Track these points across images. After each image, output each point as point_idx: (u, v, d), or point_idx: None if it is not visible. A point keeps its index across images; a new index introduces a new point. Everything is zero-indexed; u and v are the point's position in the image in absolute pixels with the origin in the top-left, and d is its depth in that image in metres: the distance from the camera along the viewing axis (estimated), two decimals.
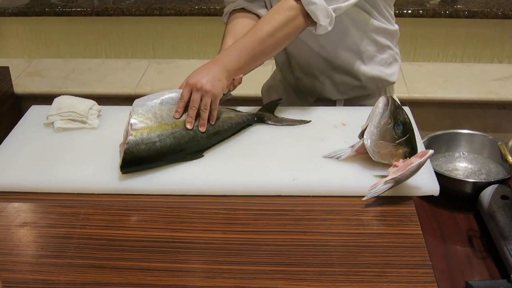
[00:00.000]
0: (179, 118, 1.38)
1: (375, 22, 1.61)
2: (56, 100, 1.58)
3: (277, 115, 1.57)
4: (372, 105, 1.35)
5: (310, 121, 1.54)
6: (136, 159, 1.32)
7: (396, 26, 1.70)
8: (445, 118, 2.59)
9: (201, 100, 1.38)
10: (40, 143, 1.48)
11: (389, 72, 1.72)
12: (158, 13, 2.81)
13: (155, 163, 1.35)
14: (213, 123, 1.41)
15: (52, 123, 1.53)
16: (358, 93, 1.71)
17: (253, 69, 1.50)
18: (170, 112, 1.39)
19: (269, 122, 1.54)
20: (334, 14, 1.43)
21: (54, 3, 2.98)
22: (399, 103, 1.40)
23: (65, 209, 1.28)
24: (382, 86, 1.73)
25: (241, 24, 1.60)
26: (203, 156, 1.40)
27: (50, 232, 1.22)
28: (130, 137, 1.33)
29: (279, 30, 1.42)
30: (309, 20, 1.43)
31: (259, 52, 1.44)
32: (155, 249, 1.16)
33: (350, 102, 1.73)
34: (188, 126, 1.37)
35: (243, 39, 1.44)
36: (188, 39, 2.89)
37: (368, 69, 1.66)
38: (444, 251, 1.39)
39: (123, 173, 1.32)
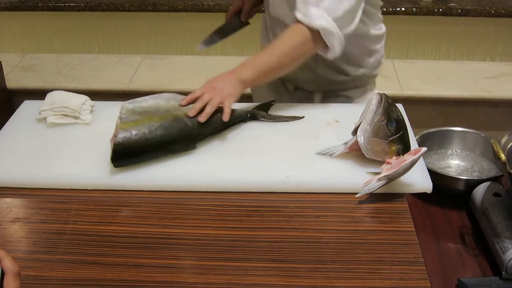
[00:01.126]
0: (185, 105, 1.41)
1: (369, 31, 1.64)
2: (49, 95, 1.57)
3: (270, 113, 1.56)
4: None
5: (303, 117, 1.53)
6: (126, 151, 1.32)
7: (384, 29, 1.72)
8: (437, 115, 2.59)
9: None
10: (33, 138, 1.47)
11: (374, 73, 1.75)
12: (152, 9, 2.80)
13: (146, 155, 1.34)
14: (226, 120, 1.41)
15: (45, 118, 1.52)
16: (338, 87, 1.74)
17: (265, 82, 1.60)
18: (159, 106, 1.39)
19: (262, 119, 1.53)
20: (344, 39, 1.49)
21: None
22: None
23: (57, 205, 1.27)
24: (363, 82, 1.76)
25: None
26: (195, 147, 1.40)
27: (42, 228, 1.21)
28: (119, 130, 1.33)
29: (295, 50, 1.48)
30: (323, 44, 1.48)
31: (274, 69, 1.49)
32: (147, 245, 1.16)
33: (328, 94, 1.75)
34: (190, 114, 1.39)
35: (261, 55, 1.50)
36: (182, 35, 2.88)
37: (353, 69, 1.69)
38: (437, 248, 1.39)
39: (115, 166, 1.32)
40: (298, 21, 1.46)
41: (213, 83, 1.45)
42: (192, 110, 1.39)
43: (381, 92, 1.35)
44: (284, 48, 1.48)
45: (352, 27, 1.49)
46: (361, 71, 1.70)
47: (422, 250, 1.14)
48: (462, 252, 1.38)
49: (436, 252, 1.37)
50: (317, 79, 1.71)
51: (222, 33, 1.84)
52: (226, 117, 1.41)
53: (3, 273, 0.82)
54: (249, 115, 1.53)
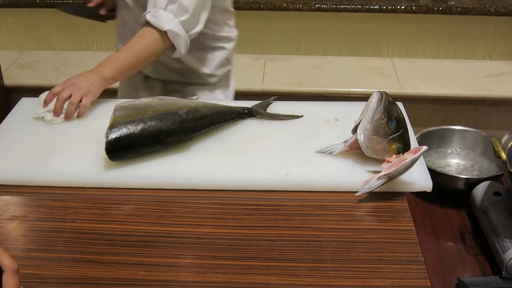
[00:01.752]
0: (49, 103, 1.52)
1: (216, 33, 1.76)
2: (41, 96, 1.56)
3: (269, 111, 1.56)
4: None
5: (302, 116, 1.53)
6: (120, 141, 1.31)
7: (235, 32, 1.84)
8: (437, 114, 2.58)
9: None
10: (30, 136, 1.47)
11: (216, 72, 1.83)
12: None
13: (142, 148, 1.34)
14: (80, 117, 1.52)
15: (42, 117, 1.51)
16: (176, 77, 1.82)
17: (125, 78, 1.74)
18: (152, 102, 1.40)
19: (260, 117, 1.53)
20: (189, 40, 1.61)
21: None
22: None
23: (55, 203, 1.27)
24: (203, 80, 1.82)
25: None
26: (192, 139, 1.40)
27: (40, 226, 1.21)
28: (112, 121, 1.33)
29: (148, 50, 1.59)
30: (171, 44, 1.59)
31: (131, 67, 1.61)
32: (146, 244, 1.15)
33: (169, 83, 1.84)
34: (55, 115, 1.50)
35: (119, 54, 1.61)
36: None
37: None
38: (437, 247, 1.39)
39: (110, 158, 1.31)
40: (148, 23, 1.56)
41: (73, 80, 1.54)
42: (54, 112, 1.50)
43: (381, 90, 1.35)
44: (139, 47, 1.58)
45: (198, 28, 1.61)
46: (199, 65, 1.78)
47: (422, 249, 1.14)
48: (462, 251, 1.38)
49: (436, 251, 1.37)
50: (156, 66, 1.79)
51: (80, 11, 1.92)
52: (81, 113, 1.51)
53: (1, 271, 0.81)
54: (246, 112, 1.52)
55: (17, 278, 0.82)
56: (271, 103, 1.59)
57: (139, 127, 1.33)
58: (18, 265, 0.82)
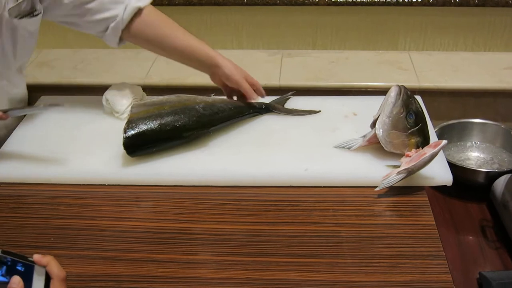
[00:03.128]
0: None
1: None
2: (114, 93, 1.55)
3: (287, 106, 1.55)
4: None
5: (320, 111, 1.51)
6: (138, 136, 1.31)
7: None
8: (455, 107, 2.55)
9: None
10: (50, 133, 1.47)
11: None
12: (167, 3, 2.78)
13: (159, 142, 1.34)
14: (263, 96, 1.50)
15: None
16: None
17: None
18: (169, 98, 1.40)
19: (278, 112, 1.52)
20: None
21: None
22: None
23: (74, 200, 1.26)
24: None
25: None
26: (209, 132, 1.39)
27: (60, 224, 1.20)
28: (130, 118, 1.33)
29: None
30: None
31: None
32: (165, 241, 1.14)
33: None
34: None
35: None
36: (197, 28, 2.86)
37: None
38: (457, 241, 1.37)
39: (128, 153, 1.31)
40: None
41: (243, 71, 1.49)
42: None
43: (399, 84, 1.33)
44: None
45: None
46: None
47: (443, 244, 1.12)
48: (483, 245, 1.35)
49: (457, 246, 1.35)
50: None
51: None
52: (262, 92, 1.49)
53: (49, 278, 0.82)
54: (264, 107, 1.51)
55: (64, 286, 0.82)
56: (289, 98, 1.58)
57: (156, 122, 1.33)
58: (65, 273, 0.82)
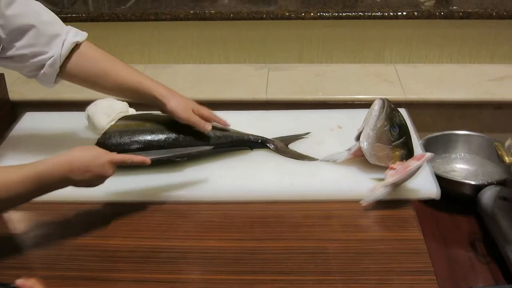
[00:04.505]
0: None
1: None
2: (95, 109, 1.51)
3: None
4: None
5: (318, 159, 1.38)
6: (108, 149, 1.23)
7: None
8: (441, 119, 2.54)
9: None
10: (34, 150, 1.43)
11: None
12: (154, 18, 2.76)
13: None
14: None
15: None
16: None
17: None
18: (159, 117, 1.37)
19: (272, 148, 1.41)
20: None
21: (49, 9, 2.93)
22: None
23: (56, 219, 1.23)
24: None
25: None
26: (182, 161, 1.33)
27: (41, 243, 1.17)
28: (108, 129, 1.33)
29: None
30: None
31: None
32: (149, 260, 1.11)
33: None
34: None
35: None
36: (184, 43, 2.84)
37: None
38: (446, 255, 1.35)
39: None
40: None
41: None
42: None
43: (383, 97, 1.31)
44: None
45: None
46: None
47: (431, 258, 1.09)
48: (473, 259, 1.33)
49: (446, 260, 1.33)
50: None
51: None
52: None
53: None
54: (260, 141, 1.41)
55: None
56: (303, 137, 1.46)
57: (130, 137, 1.30)
58: None
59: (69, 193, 1.26)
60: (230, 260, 1.10)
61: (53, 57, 1.29)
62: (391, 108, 1.30)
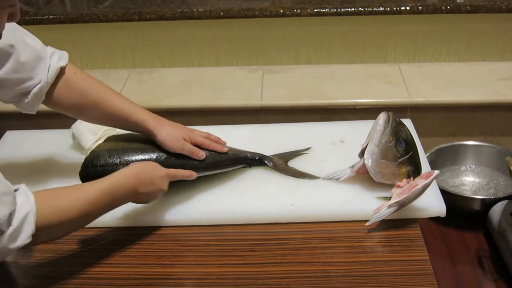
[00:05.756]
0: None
1: None
2: (81, 127, 1.57)
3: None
4: None
5: (319, 177, 1.44)
6: (94, 168, 1.32)
7: None
8: (449, 122, 2.58)
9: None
10: (17, 172, 1.50)
11: None
12: (137, 18, 2.79)
13: None
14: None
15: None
16: None
17: None
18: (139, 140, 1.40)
19: (270, 165, 1.47)
20: None
21: (24, 10, 2.96)
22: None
23: (47, 246, 1.26)
24: None
25: None
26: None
27: (32, 272, 1.23)
28: (96, 147, 1.37)
29: None
30: None
31: None
32: (146, 287, 1.17)
33: None
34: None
35: None
36: (171, 45, 2.87)
37: None
38: (453, 273, 1.41)
39: (82, 182, 1.31)
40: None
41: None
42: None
43: (388, 111, 1.36)
44: None
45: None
46: None
47: (438, 276, 1.16)
48: (480, 277, 1.39)
49: (453, 278, 1.39)
50: None
51: None
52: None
53: None
54: (257, 158, 1.47)
55: None
56: (304, 153, 1.53)
57: (118, 157, 1.34)
58: None
59: None
60: (230, 286, 1.17)
61: (39, 85, 1.31)
62: (397, 122, 1.34)
